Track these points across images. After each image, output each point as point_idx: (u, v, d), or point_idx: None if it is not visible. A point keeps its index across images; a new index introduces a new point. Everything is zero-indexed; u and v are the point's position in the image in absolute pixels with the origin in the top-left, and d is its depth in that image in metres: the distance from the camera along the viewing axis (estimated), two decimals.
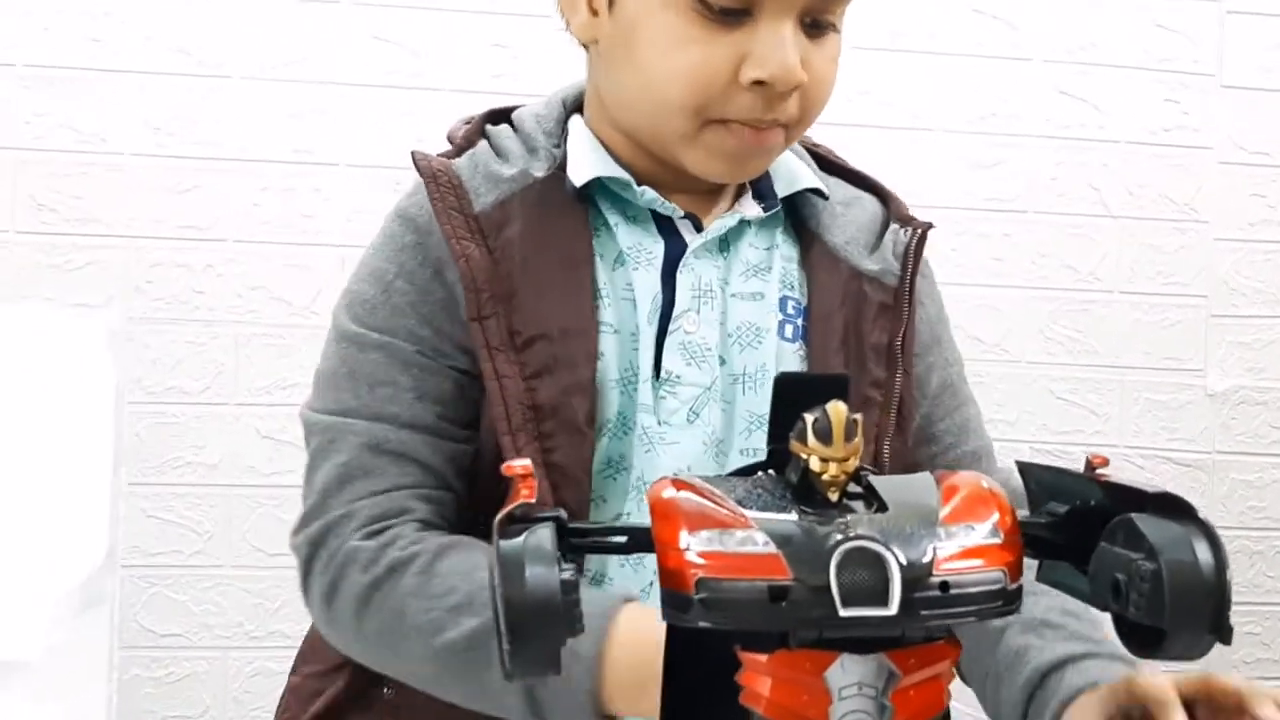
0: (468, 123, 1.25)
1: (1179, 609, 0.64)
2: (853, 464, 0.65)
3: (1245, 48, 2.84)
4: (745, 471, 0.72)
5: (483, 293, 1.11)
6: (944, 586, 0.63)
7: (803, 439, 0.65)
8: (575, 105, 1.25)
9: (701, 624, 0.63)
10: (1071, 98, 2.82)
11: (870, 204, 1.28)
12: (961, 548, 0.64)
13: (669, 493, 0.67)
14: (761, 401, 1.15)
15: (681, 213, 1.18)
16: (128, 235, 2.56)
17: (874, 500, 0.66)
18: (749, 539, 0.64)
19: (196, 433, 2.59)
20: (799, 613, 0.62)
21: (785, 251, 1.22)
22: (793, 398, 0.69)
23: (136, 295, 2.55)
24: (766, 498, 0.66)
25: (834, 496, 0.65)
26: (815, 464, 0.65)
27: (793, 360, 1.18)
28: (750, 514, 0.65)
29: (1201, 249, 2.84)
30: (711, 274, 1.17)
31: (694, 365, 1.15)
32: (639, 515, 1.08)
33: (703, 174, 1.16)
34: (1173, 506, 0.66)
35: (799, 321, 1.19)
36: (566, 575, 0.62)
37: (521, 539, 0.63)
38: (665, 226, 1.19)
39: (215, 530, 2.58)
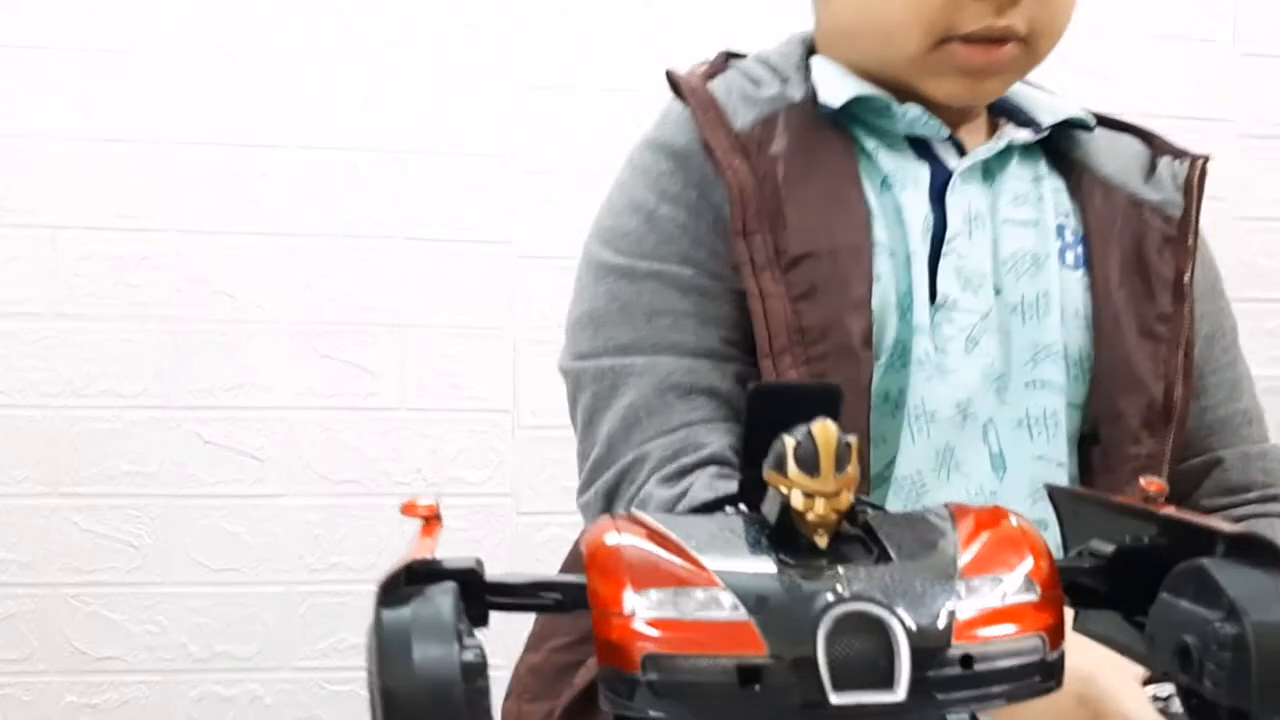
0: (706, 63, 1.25)
1: (1269, 685, 0.50)
2: (846, 500, 0.52)
3: (1264, 11, 2.72)
4: (710, 508, 0.58)
5: (749, 208, 1.09)
6: (966, 660, 0.50)
7: (781, 468, 0.52)
8: (811, 47, 1.24)
9: (651, 713, 0.50)
10: (1077, 69, 2.69)
11: (1131, 141, 1.27)
12: (987, 608, 0.51)
13: (611, 537, 0.54)
14: (1045, 331, 1.12)
15: (946, 132, 1.17)
16: (54, 226, 2.43)
17: (873, 546, 0.53)
18: (712, 601, 0.50)
19: (132, 439, 2.45)
20: (777, 700, 0.49)
21: (1052, 183, 1.21)
22: (770, 413, 0.55)
23: (64, 290, 2.42)
24: (735, 544, 0.53)
25: (822, 542, 0.52)
26: (797, 500, 0.52)
27: (1076, 288, 1.16)
28: (713, 566, 0.51)
29: (1222, 229, 2.70)
30: (980, 200, 1.16)
31: (970, 291, 1.12)
32: (913, 451, 1.07)
33: (935, 95, 1.15)
34: (1256, 550, 0.53)
35: (1078, 249, 1.18)
36: (470, 656, 0.48)
37: (410, 607, 0.49)
38: (922, 153, 1.17)
39: (154, 544, 2.45)
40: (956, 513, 0.56)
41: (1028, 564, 0.53)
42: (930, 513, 0.56)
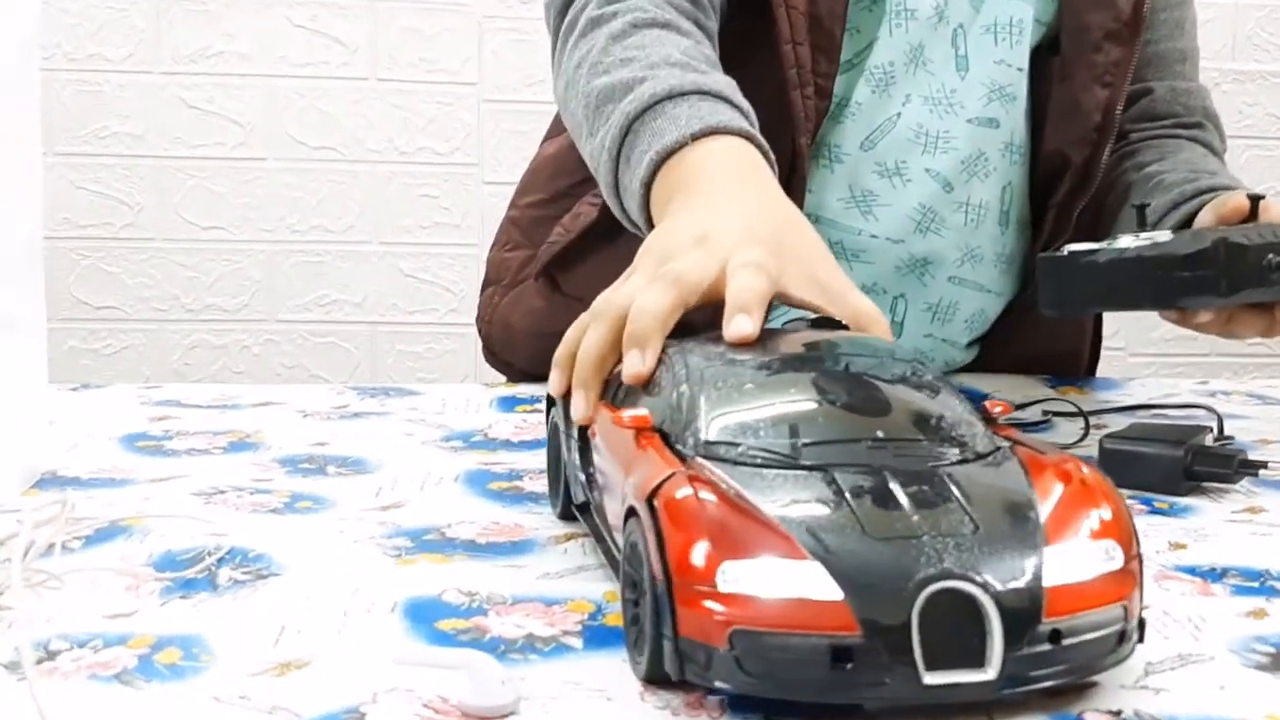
0: None
1: None
2: None
3: None
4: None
5: None
6: (1054, 635, 0.44)
7: None
8: None
9: (723, 685, 0.44)
10: None
11: None
12: (1073, 581, 0.45)
13: (684, 492, 0.46)
14: None
15: None
16: None
17: (956, 507, 0.46)
18: (803, 575, 0.43)
19: (121, 102, 2.29)
20: (869, 679, 0.43)
21: None
22: None
23: None
24: (817, 509, 0.46)
25: None
26: None
27: None
28: (800, 537, 0.44)
29: None
30: None
31: None
32: (888, 43, 1.03)
33: None
34: None
35: None
36: None
37: None
38: None
39: (145, 203, 2.32)
40: (1030, 465, 0.49)
41: (1105, 513, 0.47)
42: (1004, 464, 0.49)
